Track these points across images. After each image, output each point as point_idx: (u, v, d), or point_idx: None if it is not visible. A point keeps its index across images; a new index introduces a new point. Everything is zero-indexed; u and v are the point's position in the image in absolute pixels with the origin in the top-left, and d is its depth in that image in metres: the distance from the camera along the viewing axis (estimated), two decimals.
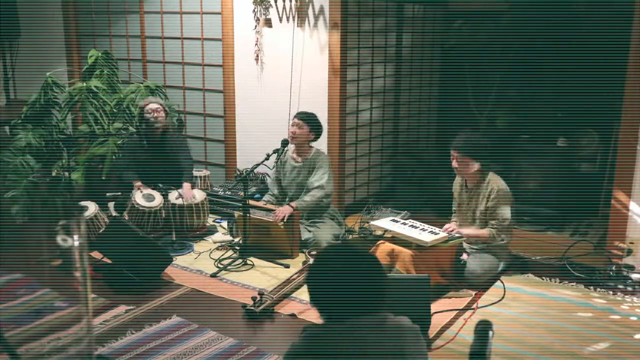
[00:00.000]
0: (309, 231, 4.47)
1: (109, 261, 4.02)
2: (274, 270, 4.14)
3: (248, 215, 4.22)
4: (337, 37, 4.83)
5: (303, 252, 4.34)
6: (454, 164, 3.93)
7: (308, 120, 4.51)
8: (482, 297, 3.75)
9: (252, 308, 3.47)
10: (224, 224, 4.97)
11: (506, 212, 3.86)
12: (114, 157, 5.11)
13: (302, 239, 4.42)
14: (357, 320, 1.76)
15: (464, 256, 3.90)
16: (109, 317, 3.44)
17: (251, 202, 4.45)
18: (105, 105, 5.32)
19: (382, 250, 3.77)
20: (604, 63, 4.90)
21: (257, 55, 5.21)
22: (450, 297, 3.72)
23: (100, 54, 5.53)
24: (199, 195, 4.73)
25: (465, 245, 3.96)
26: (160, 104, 4.82)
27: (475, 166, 3.89)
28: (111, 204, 4.76)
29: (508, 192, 3.89)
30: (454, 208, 4.21)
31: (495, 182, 3.88)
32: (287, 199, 4.64)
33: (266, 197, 4.76)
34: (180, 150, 4.91)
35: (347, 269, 1.82)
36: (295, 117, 4.55)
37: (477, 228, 3.95)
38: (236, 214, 4.56)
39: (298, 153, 4.61)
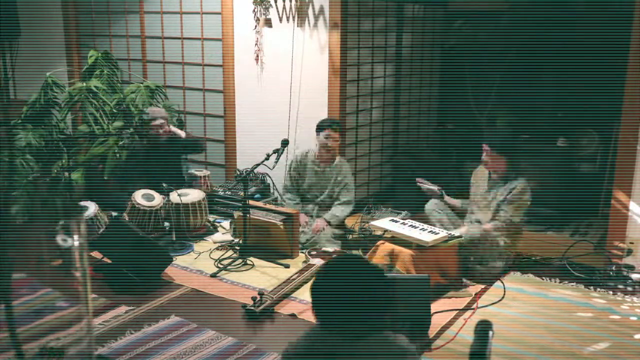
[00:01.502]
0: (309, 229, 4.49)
1: (109, 261, 4.03)
2: (274, 270, 4.14)
3: (248, 215, 4.22)
4: (337, 37, 4.83)
5: (303, 252, 4.34)
6: (484, 157, 4.01)
7: (340, 128, 4.57)
8: (482, 297, 3.75)
9: (252, 308, 3.47)
10: (224, 224, 4.97)
11: (515, 217, 3.91)
12: (117, 155, 5.10)
13: (302, 241, 4.43)
14: (359, 338, 1.75)
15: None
16: (109, 317, 3.44)
17: (251, 202, 4.45)
18: (105, 105, 5.32)
19: (382, 250, 3.77)
20: (603, 63, 4.90)
21: (257, 55, 5.21)
22: (450, 297, 3.72)
23: (100, 54, 5.53)
24: (199, 194, 4.72)
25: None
26: (164, 117, 4.82)
27: (503, 166, 3.97)
28: None
29: (528, 202, 3.95)
30: (470, 198, 4.20)
31: (522, 186, 3.93)
32: (304, 202, 4.73)
33: (289, 201, 4.75)
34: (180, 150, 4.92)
35: (356, 285, 1.77)
36: (327, 127, 4.50)
37: (488, 215, 4.03)
38: (236, 214, 4.56)
39: (322, 160, 4.62)
